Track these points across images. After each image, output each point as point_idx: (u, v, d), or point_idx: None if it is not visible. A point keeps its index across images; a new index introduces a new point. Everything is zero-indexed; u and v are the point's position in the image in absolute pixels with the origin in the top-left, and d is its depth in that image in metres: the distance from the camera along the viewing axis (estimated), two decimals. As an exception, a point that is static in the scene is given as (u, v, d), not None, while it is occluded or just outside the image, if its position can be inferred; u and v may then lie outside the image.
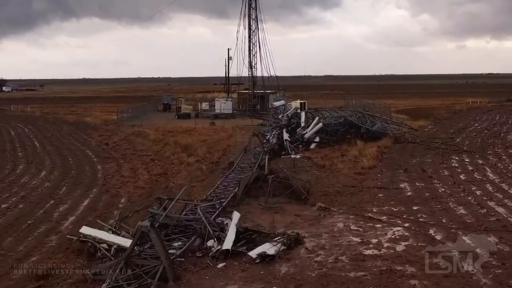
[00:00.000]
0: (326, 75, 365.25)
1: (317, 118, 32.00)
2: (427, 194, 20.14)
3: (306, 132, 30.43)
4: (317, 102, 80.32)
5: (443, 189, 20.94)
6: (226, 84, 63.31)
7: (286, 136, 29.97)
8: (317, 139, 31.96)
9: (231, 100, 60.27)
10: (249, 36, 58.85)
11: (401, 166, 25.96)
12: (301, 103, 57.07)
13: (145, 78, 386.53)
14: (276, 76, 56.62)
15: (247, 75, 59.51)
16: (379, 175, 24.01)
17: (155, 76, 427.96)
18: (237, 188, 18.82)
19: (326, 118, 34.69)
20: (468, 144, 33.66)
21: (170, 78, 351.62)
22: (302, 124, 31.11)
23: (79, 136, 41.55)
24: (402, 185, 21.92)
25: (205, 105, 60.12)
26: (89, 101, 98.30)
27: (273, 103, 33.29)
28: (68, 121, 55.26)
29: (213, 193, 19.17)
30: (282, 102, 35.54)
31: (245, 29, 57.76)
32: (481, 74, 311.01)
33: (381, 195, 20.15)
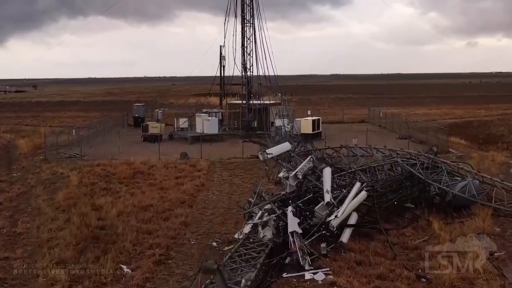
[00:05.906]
0: (333, 74, 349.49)
1: (357, 184, 15.43)
2: None
3: (336, 217, 14.23)
4: (332, 112, 64.25)
5: None
6: (212, 87, 47.20)
7: (293, 224, 13.97)
8: (352, 219, 15.96)
9: (220, 115, 44.47)
10: (243, 28, 42.94)
11: None
12: (313, 120, 41.21)
13: (151, 77, 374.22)
14: (279, 85, 40.41)
15: (241, 80, 43.80)
16: None
17: (161, 75, 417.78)
18: None
19: (362, 165, 18.76)
20: None
21: (175, 77, 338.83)
22: (327, 197, 14.68)
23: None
24: None
25: (183, 122, 44.20)
26: (63, 107, 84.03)
27: (266, 152, 16.36)
28: (-7, 146, 40.38)
29: None
30: (286, 146, 18.51)
31: (236, 17, 41.77)
32: (490, 72, 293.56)
33: None
